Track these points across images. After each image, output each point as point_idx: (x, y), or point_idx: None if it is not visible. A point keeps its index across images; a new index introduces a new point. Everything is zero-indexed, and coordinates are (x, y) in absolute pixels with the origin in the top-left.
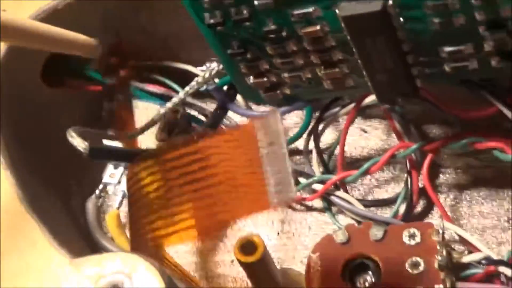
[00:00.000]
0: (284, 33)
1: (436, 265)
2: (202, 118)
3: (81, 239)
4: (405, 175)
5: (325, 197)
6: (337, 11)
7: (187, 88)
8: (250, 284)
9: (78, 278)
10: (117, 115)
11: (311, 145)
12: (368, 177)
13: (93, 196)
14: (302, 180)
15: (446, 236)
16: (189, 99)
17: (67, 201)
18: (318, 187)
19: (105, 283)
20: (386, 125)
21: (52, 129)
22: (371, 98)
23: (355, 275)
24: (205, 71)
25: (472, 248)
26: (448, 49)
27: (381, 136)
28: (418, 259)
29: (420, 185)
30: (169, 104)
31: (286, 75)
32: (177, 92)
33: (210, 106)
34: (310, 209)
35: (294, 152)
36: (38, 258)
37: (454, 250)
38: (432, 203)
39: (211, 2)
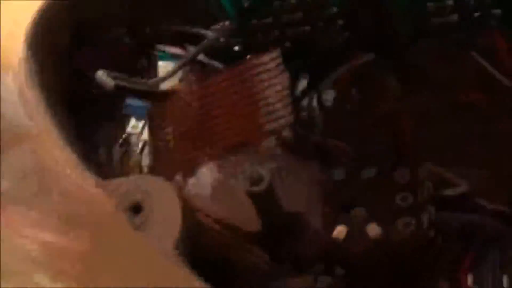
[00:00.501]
0: None
1: (422, 199)
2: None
3: None
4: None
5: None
6: None
7: (203, 42)
8: None
9: (102, 197)
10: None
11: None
12: (365, 129)
13: (118, 144)
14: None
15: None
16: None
17: (95, 150)
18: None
19: (128, 202)
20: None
21: (81, 88)
22: (364, 59)
23: (351, 208)
24: (216, 30)
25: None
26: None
27: (377, 92)
28: (407, 194)
29: None
30: (186, 57)
31: (290, 31)
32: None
33: None
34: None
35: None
36: None
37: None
38: (421, 150)
39: None
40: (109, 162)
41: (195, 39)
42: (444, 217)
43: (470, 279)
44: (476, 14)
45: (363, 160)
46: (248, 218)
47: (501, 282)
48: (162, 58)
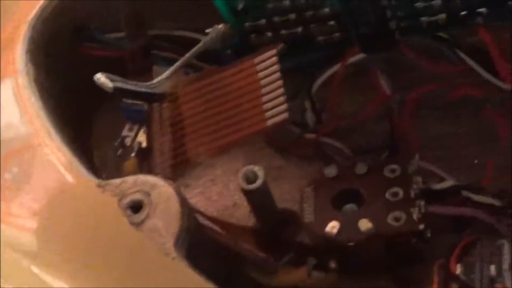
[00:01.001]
0: None
1: (412, 193)
2: None
3: None
4: (388, 124)
5: (318, 145)
6: None
7: (198, 45)
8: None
9: (104, 197)
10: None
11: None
12: (357, 127)
13: (113, 147)
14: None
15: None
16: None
17: (90, 154)
18: (312, 136)
19: (128, 201)
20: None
21: (79, 91)
22: (357, 57)
23: (343, 204)
24: (212, 32)
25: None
26: (421, 4)
27: (369, 90)
28: (398, 189)
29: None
30: (182, 59)
31: (284, 31)
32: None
33: None
34: (303, 157)
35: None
36: None
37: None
38: (412, 146)
39: None
40: (104, 164)
41: (190, 43)
42: (435, 210)
43: (459, 269)
44: (463, 13)
45: (355, 157)
46: (244, 215)
47: (488, 270)
48: (157, 63)
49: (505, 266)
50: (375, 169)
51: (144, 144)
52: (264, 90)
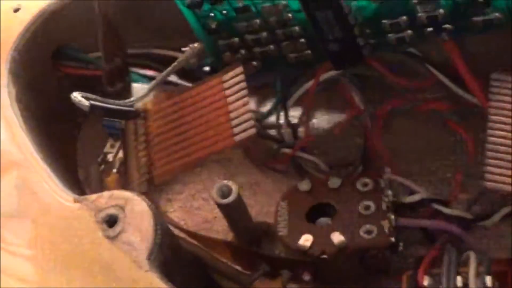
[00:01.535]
0: (252, 10)
1: (384, 207)
2: None
3: None
4: (361, 138)
5: (294, 160)
6: None
7: (170, 68)
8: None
9: (80, 212)
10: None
11: (282, 118)
12: (331, 141)
13: (96, 163)
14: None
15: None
16: (176, 80)
17: (74, 170)
18: (288, 151)
19: (103, 215)
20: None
21: (56, 106)
22: (329, 74)
23: (317, 218)
24: (187, 50)
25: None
26: (387, 21)
27: (342, 105)
28: (370, 202)
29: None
30: (158, 78)
31: (257, 49)
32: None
33: None
34: (280, 171)
35: (268, 126)
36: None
37: (398, 194)
38: (384, 159)
39: None
40: (88, 179)
41: (169, 62)
42: (405, 223)
43: (426, 280)
44: (429, 29)
45: (330, 171)
46: (224, 228)
47: (455, 281)
48: (136, 80)
49: (471, 277)
50: (348, 183)
51: (123, 159)
52: (231, 107)
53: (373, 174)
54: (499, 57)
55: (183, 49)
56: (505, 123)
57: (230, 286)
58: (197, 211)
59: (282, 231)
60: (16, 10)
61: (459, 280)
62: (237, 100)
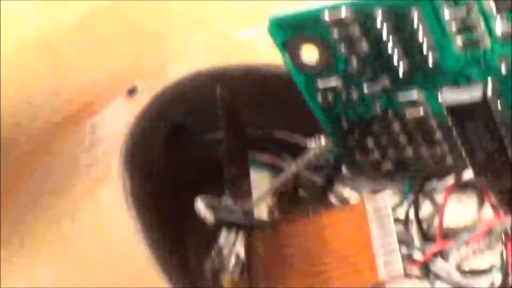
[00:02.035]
0: (389, 115)
1: None
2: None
3: None
4: (501, 245)
5: (424, 264)
6: (439, 98)
7: (299, 162)
8: None
9: None
10: (234, 182)
11: (411, 214)
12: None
13: (210, 257)
14: (402, 248)
15: None
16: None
17: (185, 261)
18: (418, 255)
19: None
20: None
21: (167, 191)
22: (469, 174)
23: None
24: (316, 146)
25: None
26: None
27: (477, 207)
28: None
29: None
30: (282, 177)
31: (390, 152)
32: (284, 159)
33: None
34: (409, 276)
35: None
36: None
37: None
38: None
39: (324, 87)
40: (201, 272)
41: (288, 145)
42: None
43: None
44: None
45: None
46: None
47: None
48: (254, 166)
49: None
50: None
51: (242, 255)
52: (374, 237)
53: None
54: None
55: (308, 142)
56: None
57: None
58: None
59: None
60: (131, 92)
61: None
62: (382, 230)
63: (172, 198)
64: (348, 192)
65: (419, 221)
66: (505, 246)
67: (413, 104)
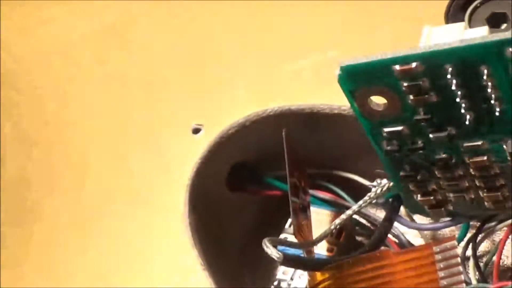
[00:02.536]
0: (452, 161)
1: None
2: (364, 221)
3: None
4: None
5: None
6: (504, 146)
7: (360, 203)
8: None
9: None
10: (298, 218)
11: (468, 253)
12: None
13: None
14: None
15: None
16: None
17: None
18: None
19: None
20: None
21: (229, 228)
22: None
23: None
24: (377, 187)
25: None
26: None
27: None
28: None
29: None
30: (343, 216)
31: (451, 195)
32: (344, 198)
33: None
34: None
35: None
36: None
37: None
38: None
39: (390, 134)
40: None
41: (347, 184)
42: None
43: None
44: None
45: None
46: None
47: None
48: (313, 203)
49: None
50: None
51: None
52: (443, 282)
53: None
54: None
55: (369, 184)
56: None
57: None
58: None
59: None
60: (196, 131)
61: None
62: (450, 277)
63: (233, 238)
64: (408, 232)
65: (476, 259)
66: None
67: (478, 152)
